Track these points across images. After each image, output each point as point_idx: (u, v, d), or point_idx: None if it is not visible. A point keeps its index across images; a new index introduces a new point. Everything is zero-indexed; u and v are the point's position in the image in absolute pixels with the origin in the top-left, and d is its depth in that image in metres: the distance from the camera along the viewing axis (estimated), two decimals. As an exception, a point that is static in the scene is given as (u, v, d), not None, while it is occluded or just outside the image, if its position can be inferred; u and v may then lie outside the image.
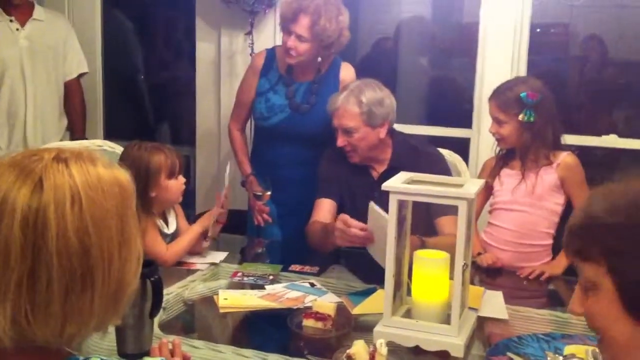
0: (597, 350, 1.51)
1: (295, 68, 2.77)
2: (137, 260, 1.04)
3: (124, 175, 1.04)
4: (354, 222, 2.11)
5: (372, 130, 2.48)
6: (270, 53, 2.86)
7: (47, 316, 0.94)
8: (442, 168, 2.51)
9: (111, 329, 1.58)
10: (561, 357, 1.66)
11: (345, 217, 2.15)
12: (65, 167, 0.97)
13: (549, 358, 1.68)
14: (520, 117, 2.41)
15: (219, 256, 2.40)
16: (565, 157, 2.45)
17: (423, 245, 2.15)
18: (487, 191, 2.56)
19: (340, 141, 2.50)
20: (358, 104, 2.45)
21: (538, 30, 3.28)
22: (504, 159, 2.54)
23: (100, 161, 1.02)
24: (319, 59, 2.75)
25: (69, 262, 0.93)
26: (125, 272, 1.01)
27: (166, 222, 2.37)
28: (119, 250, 0.99)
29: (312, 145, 2.77)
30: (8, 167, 0.97)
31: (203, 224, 2.38)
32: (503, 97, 2.45)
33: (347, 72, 2.84)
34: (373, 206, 2.02)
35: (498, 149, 2.57)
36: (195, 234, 2.36)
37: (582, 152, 2.54)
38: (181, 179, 2.32)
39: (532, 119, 2.40)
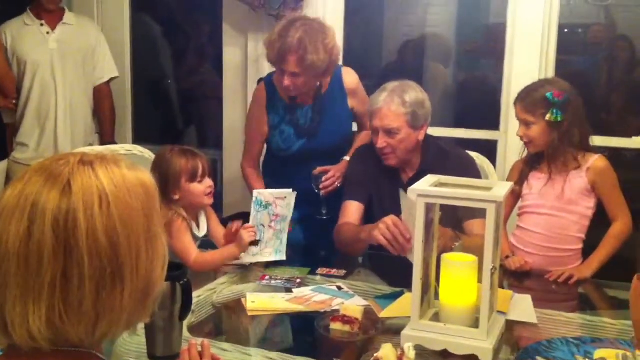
0: (628, 354, 1.49)
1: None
2: (163, 258, 1.06)
3: (147, 176, 1.06)
4: (403, 226, 2.08)
5: (414, 132, 2.45)
6: (269, 84, 2.78)
7: (79, 315, 0.96)
8: (473, 171, 2.50)
9: (141, 332, 1.61)
10: (591, 362, 1.65)
11: (396, 218, 2.13)
12: (91, 169, 1.00)
13: (579, 362, 1.66)
14: (548, 116, 2.38)
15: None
16: (595, 161, 2.42)
17: (457, 239, 2.13)
18: (516, 195, 2.54)
19: (381, 142, 2.44)
20: (402, 104, 2.42)
21: (566, 30, 3.25)
22: (532, 162, 2.52)
23: (124, 163, 1.05)
24: (318, 83, 2.71)
25: (100, 260, 0.96)
26: (152, 269, 1.03)
27: (198, 225, 2.37)
28: (146, 247, 1.01)
29: (328, 156, 2.75)
30: (36, 171, 1.00)
31: (242, 246, 2.27)
32: (529, 98, 2.43)
33: (349, 76, 2.81)
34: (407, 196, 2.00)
35: (525, 152, 2.55)
36: (232, 256, 2.29)
37: (612, 154, 2.51)
38: (207, 182, 2.28)
39: (559, 118, 2.38)
